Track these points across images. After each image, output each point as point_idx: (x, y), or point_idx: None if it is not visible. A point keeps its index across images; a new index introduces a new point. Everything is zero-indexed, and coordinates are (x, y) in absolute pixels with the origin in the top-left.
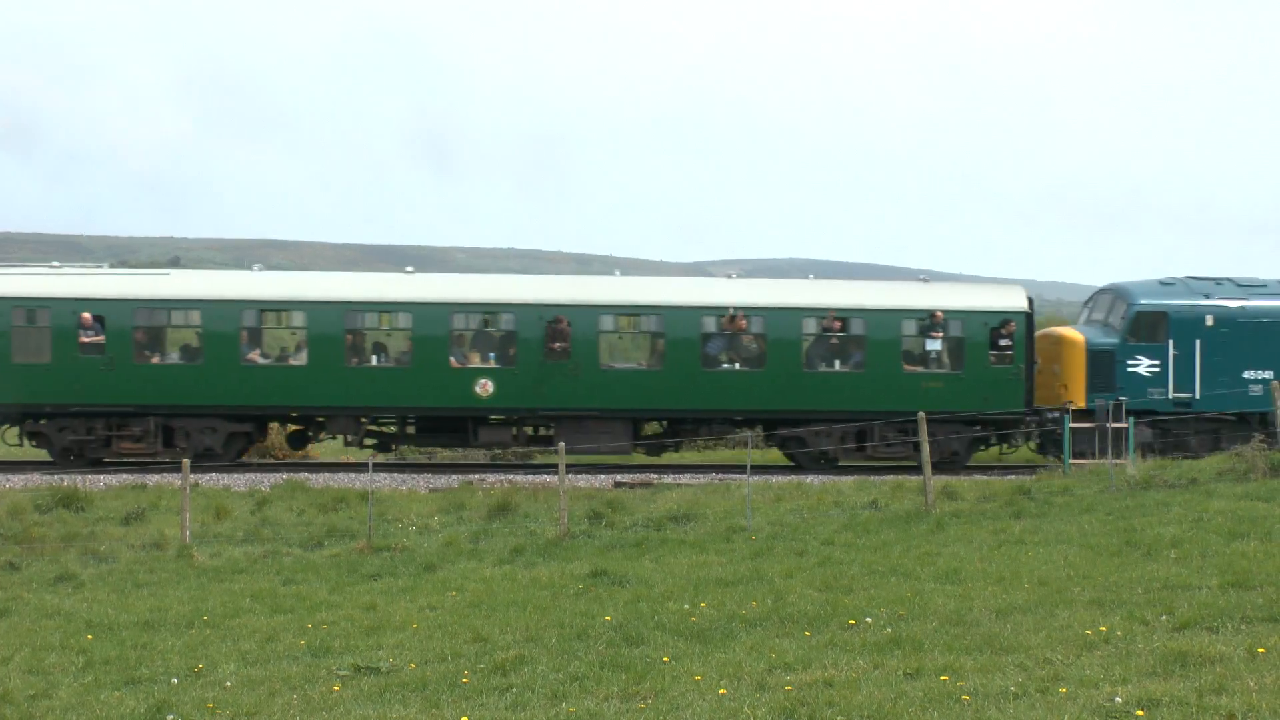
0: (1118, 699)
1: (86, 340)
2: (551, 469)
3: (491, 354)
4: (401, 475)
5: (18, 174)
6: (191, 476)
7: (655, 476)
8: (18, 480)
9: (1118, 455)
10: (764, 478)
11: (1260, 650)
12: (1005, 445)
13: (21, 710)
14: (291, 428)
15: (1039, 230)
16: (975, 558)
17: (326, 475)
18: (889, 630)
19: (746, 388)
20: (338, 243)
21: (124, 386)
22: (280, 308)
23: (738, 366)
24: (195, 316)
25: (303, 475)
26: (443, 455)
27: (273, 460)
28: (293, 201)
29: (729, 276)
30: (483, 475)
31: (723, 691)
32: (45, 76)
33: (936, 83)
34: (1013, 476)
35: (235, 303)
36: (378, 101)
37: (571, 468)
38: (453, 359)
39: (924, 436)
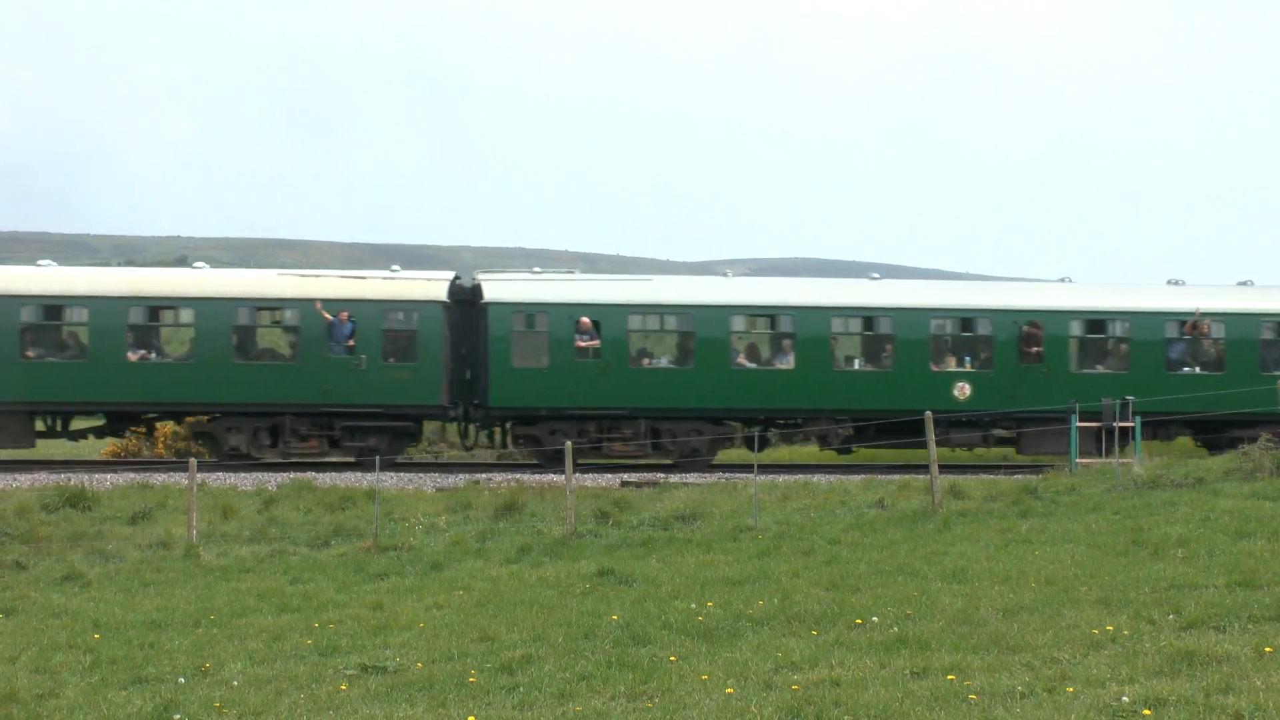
0: (1125, 698)
1: (583, 345)
2: (557, 468)
3: (968, 358)
4: (408, 475)
5: (19, 173)
6: (198, 476)
7: (662, 476)
8: (25, 480)
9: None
10: (770, 477)
11: (1267, 649)
12: None
13: (29, 710)
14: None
15: (1042, 229)
16: (982, 557)
17: (333, 474)
18: (895, 629)
19: (1205, 390)
20: (345, 242)
21: (618, 390)
22: (767, 312)
23: (1198, 370)
24: (687, 321)
25: (309, 474)
26: (449, 455)
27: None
28: (297, 199)
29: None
30: (489, 475)
31: (729, 691)
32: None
33: (941, 81)
34: (1019, 476)
35: (724, 307)
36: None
37: (578, 467)
38: (931, 363)
39: (930, 435)
